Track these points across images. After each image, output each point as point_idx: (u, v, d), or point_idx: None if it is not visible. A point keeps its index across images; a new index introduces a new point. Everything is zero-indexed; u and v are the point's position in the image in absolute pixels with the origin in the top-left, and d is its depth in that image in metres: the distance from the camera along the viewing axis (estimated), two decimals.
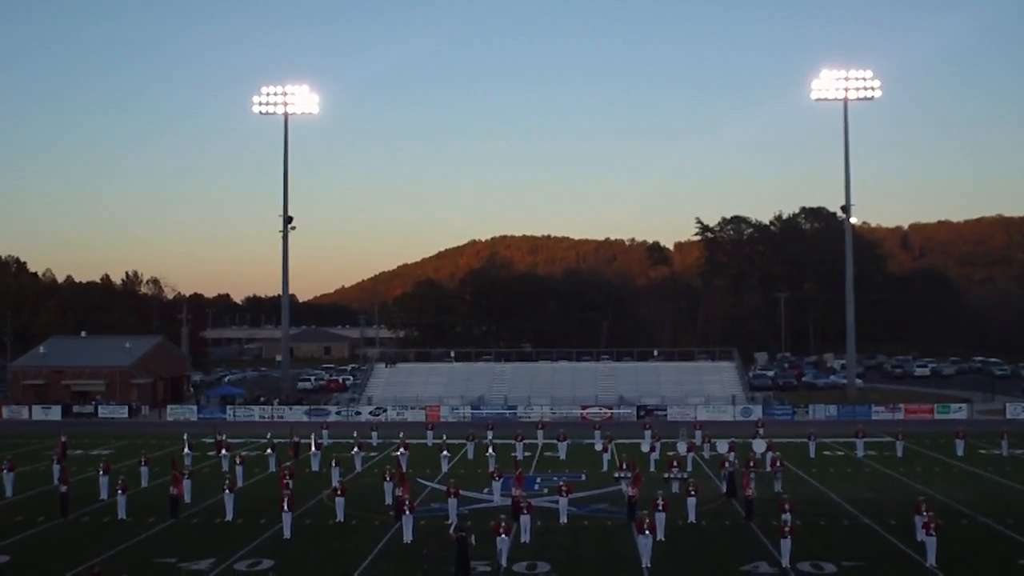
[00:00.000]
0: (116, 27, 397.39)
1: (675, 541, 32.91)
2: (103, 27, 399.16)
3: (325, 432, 60.82)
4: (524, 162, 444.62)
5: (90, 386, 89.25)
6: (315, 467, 49.74)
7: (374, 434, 60.65)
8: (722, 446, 47.89)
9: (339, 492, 37.96)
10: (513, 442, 53.32)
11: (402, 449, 50.29)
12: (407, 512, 33.83)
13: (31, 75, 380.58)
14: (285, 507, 34.65)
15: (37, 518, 38.17)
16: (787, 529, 30.21)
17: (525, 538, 32.89)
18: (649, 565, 29.68)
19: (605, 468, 48.49)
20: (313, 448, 52.03)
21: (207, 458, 54.01)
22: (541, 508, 37.86)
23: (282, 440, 55.44)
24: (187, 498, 40.32)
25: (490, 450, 50.56)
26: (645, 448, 50.40)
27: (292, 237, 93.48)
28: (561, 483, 38.33)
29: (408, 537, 33.22)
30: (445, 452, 50.30)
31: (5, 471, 44.28)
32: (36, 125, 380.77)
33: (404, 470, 43.78)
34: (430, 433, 60.29)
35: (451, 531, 32.14)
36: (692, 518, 35.98)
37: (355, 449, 51.01)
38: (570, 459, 52.50)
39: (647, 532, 30.20)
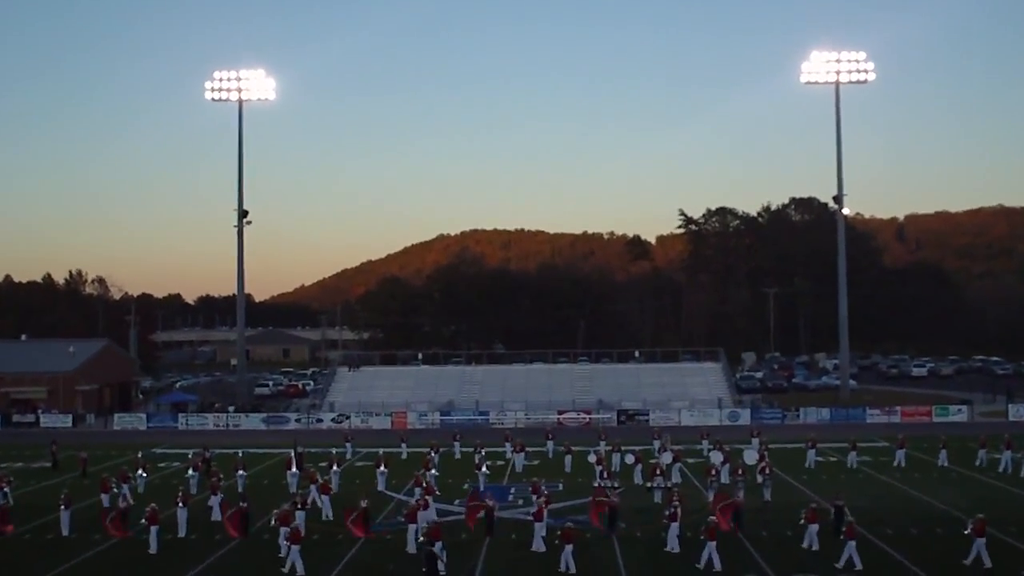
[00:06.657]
0: (55, 10, 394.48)
1: (658, 551, 33.03)
2: (41, 11, 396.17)
3: (348, 445, 59.59)
4: (495, 152, 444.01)
5: (31, 393, 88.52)
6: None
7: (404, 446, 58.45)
8: (716, 456, 48.17)
9: (299, 506, 37.71)
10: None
11: (382, 466, 48.20)
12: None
13: None
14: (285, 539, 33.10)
15: None
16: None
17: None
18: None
19: (639, 480, 47.64)
20: (335, 467, 49.17)
21: (157, 470, 53.63)
22: (517, 520, 37.98)
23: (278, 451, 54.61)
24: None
25: (483, 468, 48.62)
26: (630, 460, 50.05)
27: (248, 232, 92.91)
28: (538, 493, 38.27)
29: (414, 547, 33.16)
30: (433, 471, 47.50)
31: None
32: None
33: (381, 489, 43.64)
34: (403, 445, 59.20)
35: (418, 544, 32.29)
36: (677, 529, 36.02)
37: (334, 466, 49.19)
38: (543, 468, 52.12)
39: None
